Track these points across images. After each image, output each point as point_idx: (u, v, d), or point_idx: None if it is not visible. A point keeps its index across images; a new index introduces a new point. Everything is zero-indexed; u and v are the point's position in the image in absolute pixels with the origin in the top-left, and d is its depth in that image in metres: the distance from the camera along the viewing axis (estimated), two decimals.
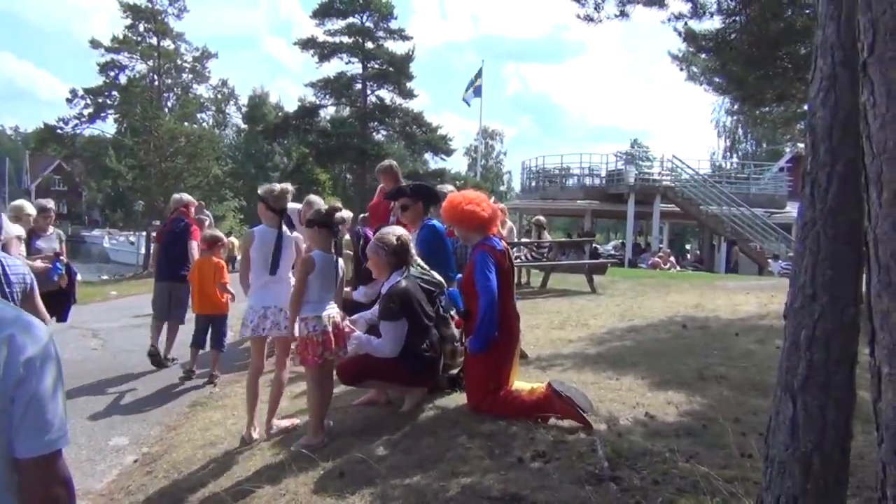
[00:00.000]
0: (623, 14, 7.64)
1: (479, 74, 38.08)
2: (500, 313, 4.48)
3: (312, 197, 7.78)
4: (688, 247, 31.71)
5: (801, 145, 32.78)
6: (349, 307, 5.73)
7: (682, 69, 10.09)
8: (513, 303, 4.87)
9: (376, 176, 7.71)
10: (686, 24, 8.65)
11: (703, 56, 9.04)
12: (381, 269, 4.89)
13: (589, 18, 7.65)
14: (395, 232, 4.96)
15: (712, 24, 8.53)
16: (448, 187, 6.58)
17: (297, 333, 4.63)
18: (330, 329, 4.58)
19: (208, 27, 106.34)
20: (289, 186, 5.39)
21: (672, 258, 24.31)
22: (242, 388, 6.35)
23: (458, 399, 4.95)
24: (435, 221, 5.76)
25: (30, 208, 7.14)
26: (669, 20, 8.41)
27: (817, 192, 2.60)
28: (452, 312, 5.17)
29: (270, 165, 49.48)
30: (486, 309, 4.42)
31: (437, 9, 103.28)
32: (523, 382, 4.88)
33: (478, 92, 36.13)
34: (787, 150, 41.04)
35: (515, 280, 5.79)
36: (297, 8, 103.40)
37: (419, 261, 5.08)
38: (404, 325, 4.66)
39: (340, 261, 4.85)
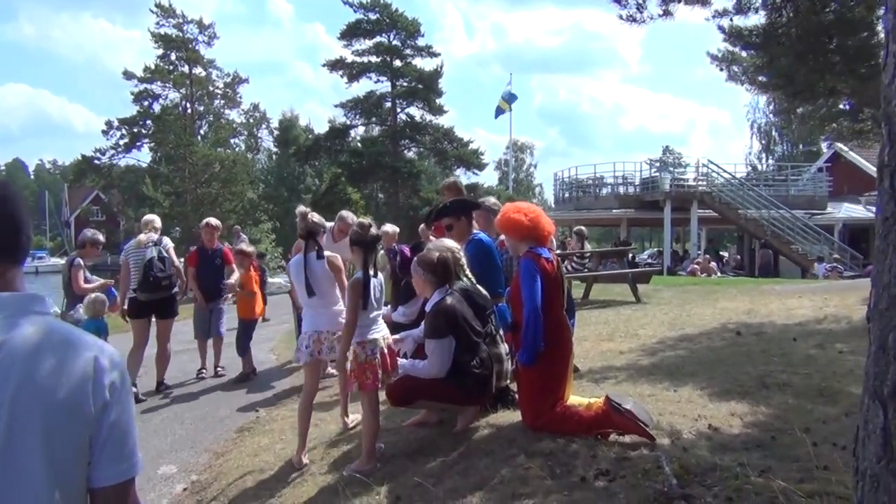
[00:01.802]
0: (667, 13, 7.44)
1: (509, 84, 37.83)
2: (548, 324, 4.31)
3: (344, 212, 7.86)
4: (723, 253, 31.03)
5: (840, 144, 32.24)
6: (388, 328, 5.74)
7: (721, 69, 9.87)
8: (563, 313, 4.72)
9: (440, 192, 7.66)
10: (731, 20, 8.46)
11: (747, 54, 8.79)
12: (423, 287, 4.78)
13: (632, 19, 7.47)
14: (440, 248, 4.85)
15: (757, 18, 8.36)
16: (491, 199, 6.47)
17: (349, 357, 4.57)
18: (385, 349, 4.50)
19: (236, 54, 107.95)
20: (301, 209, 5.41)
21: (712, 264, 23.86)
22: (289, 412, 6.38)
23: (512, 417, 4.77)
24: (482, 235, 5.65)
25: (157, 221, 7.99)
26: (714, 17, 8.21)
27: None
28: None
29: (302, 188, 49.89)
30: (529, 317, 4.27)
31: (462, 23, 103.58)
32: (579, 397, 4.70)
33: (511, 99, 35.36)
34: (825, 149, 40.41)
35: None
36: (321, 32, 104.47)
37: (469, 274, 4.95)
38: (451, 343, 4.52)
39: (381, 277, 4.77)
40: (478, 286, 4.94)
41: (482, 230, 5.86)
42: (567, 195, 32.18)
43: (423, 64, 39.47)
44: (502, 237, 5.68)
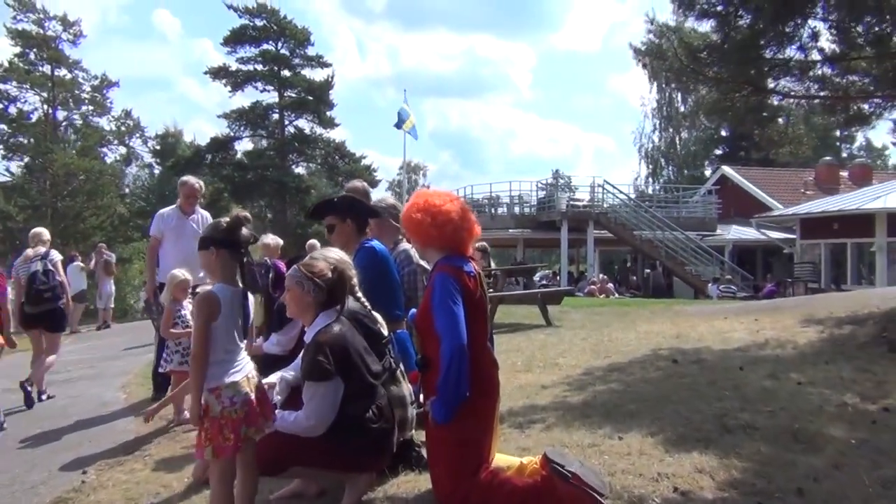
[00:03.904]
0: None
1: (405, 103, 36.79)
2: (471, 362, 3.20)
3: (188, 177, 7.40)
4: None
5: (727, 168, 33.16)
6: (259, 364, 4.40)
7: (644, 65, 9.20)
8: (488, 345, 3.55)
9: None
10: None
11: (700, 24, 8.09)
12: (304, 308, 3.48)
13: None
14: (329, 258, 3.57)
15: None
16: (390, 199, 5.23)
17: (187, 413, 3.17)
18: (252, 395, 3.14)
19: (118, 69, 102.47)
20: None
21: (609, 285, 23.56)
22: (125, 476, 4.92)
23: (420, 483, 3.68)
24: (375, 243, 4.52)
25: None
26: None
27: None
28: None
29: None
30: (452, 357, 3.14)
31: (355, 44, 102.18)
32: (506, 456, 3.58)
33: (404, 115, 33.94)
34: (708, 174, 41.70)
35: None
36: (210, 48, 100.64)
37: (360, 295, 3.74)
38: (338, 387, 3.39)
39: (250, 296, 3.39)
40: (371, 311, 3.69)
41: (375, 237, 4.63)
42: None
43: (313, 75, 37.88)
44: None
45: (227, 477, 3.17)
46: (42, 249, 7.68)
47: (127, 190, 40.57)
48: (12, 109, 27.87)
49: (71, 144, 29.29)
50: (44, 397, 7.73)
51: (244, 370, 3.20)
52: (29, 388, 7.48)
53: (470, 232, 3.50)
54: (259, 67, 37.16)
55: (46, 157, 23.74)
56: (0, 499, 4.90)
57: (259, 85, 37.08)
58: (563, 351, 7.89)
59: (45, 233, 8.00)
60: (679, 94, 48.07)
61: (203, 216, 7.20)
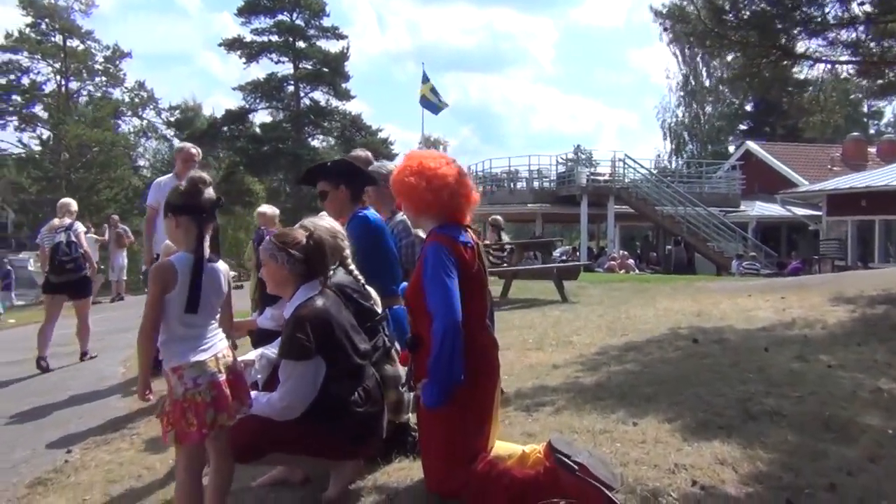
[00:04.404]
0: None
1: (425, 79, 36.19)
2: (468, 341, 2.91)
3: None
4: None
5: (751, 143, 32.41)
6: (253, 339, 4.23)
7: (665, 28, 8.72)
8: (487, 324, 3.24)
9: None
10: None
11: None
12: (281, 282, 3.17)
13: None
14: (318, 225, 3.25)
15: None
16: (389, 165, 4.85)
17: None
18: (222, 376, 2.81)
19: (139, 44, 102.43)
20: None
21: (630, 261, 23.12)
22: (109, 456, 4.79)
23: (414, 471, 3.37)
24: (369, 212, 4.17)
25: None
26: None
27: None
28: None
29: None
30: (445, 335, 2.85)
31: (375, 19, 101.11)
32: (507, 444, 3.30)
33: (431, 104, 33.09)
34: (732, 149, 40.89)
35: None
36: (230, 21, 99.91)
37: (353, 268, 3.55)
38: (319, 367, 3.13)
39: (222, 265, 3.05)
40: (364, 284, 3.36)
41: (373, 206, 4.30)
42: (481, 189, 30.94)
43: (329, 46, 37.38)
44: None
45: (193, 465, 2.89)
46: (68, 220, 7.98)
47: (145, 163, 40.49)
48: (25, 80, 27.68)
49: (86, 116, 29.04)
50: (87, 358, 8.21)
51: (212, 349, 2.88)
52: (43, 363, 7.72)
53: (467, 198, 3.18)
54: (274, 38, 36.76)
55: (59, 128, 23.57)
56: None
57: (274, 56, 36.73)
58: (578, 328, 7.55)
59: (72, 204, 8.31)
60: (704, 68, 47.21)
61: None
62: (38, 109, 26.39)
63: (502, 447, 3.18)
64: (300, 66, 36.87)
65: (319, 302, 3.14)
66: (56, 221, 7.99)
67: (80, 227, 8.15)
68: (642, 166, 27.42)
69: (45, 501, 4.16)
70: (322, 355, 3.09)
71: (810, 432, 3.70)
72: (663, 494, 3.00)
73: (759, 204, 28.18)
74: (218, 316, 2.99)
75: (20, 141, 28.50)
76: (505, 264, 11.41)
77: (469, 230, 3.18)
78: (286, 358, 3.08)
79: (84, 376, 7.40)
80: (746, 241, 24.94)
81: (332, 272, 3.43)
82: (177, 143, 43.90)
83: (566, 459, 2.84)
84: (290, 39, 36.16)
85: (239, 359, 3.41)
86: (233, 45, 36.25)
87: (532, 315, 8.87)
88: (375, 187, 4.44)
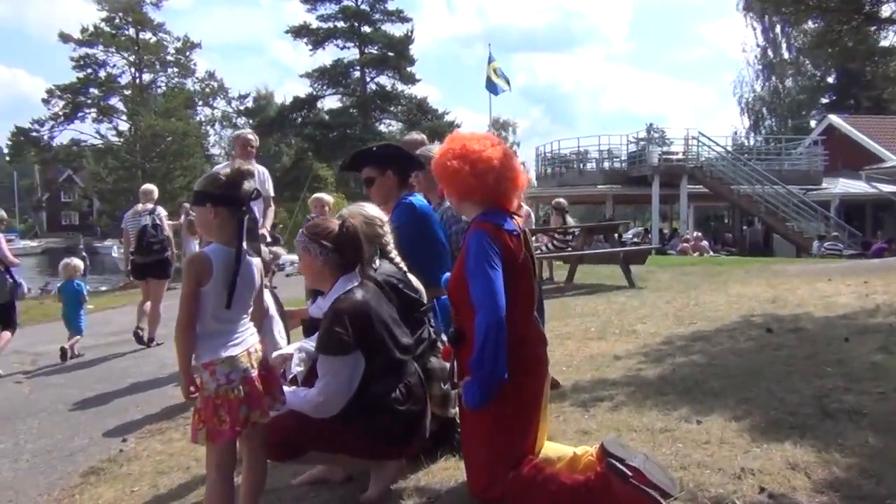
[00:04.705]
0: None
1: (490, 59, 35.76)
2: (513, 336, 2.73)
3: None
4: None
5: (834, 117, 30.95)
6: (306, 328, 4.01)
7: None
8: (534, 318, 3.04)
9: None
10: None
11: None
12: (318, 274, 3.05)
13: None
14: (351, 213, 3.14)
15: None
16: (436, 148, 4.67)
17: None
18: (255, 371, 2.69)
19: (212, 35, 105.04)
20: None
21: (704, 242, 22.39)
22: (161, 446, 4.73)
23: (459, 474, 3.18)
24: (415, 197, 4.04)
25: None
26: None
27: None
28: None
29: (279, 166, 47.70)
30: (488, 331, 2.68)
31: (444, 2, 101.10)
32: (558, 445, 3.14)
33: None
34: (814, 124, 39.13)
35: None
36: (301, 10, 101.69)
37: (394, 256, 3.46)
38: (358, 363, 2.99)
39: (256, 260, 2.92)
40: (408, 274, 3.25)
41: (422, 192, 4.20)
42: (549, 171, 30.70)
43: (393, 30, 37.71)
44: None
45: (225, 464, 2.77)
46: (150, 205, 8.40)
47: (220, 150, 41.48)
48: (102, 73, 28.80)
49: (159, 106, 30.00)
50: (153, 344, 8.33)
51: (244, 343, 2.76)
52: (140, 333, 8.33)
53: (514, 182, 2.98)
54: (339, 24, 37.20)
55: (135, 118, 24.43)
56: (36, 466, 4.76)
57: (339, 42, 37.25)
58: (643, 316, 7.29)
59: (154, 190, 8.80)
60: (783, 40, 45.27)
61: (260, 172, 6.94)
62: (115, 101, 27.36)
63: (551, 448, 3.01)
64: (366, 51, 37.30)
65: (359, 294, 3.02)
66: (139, 206, 8.42)
67: (162, 211, 8.57)
68: (717, 144, 26.45)
69: (95, 492, 4.15)
70: (361, 350, 2.97)
71: (894, 434, 3.40)
72: (727, 502, 2.78)
73: (842, 181, 26.87)
74: (250, 310, 2.89)
75: (98, 132, 29.80)
76: (570, 248, 11.15)
77: (516, 217, 2.99)
78: (324, 353, 2.97)
79: (147, 363, 7.51)
80: (828, 220, 23.84)
81: (375, 262, 3.30)
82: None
83: (619, 465, 2.65)
84: (356, 24, 36.59)
85: (277, 352, 3.32)
86: (299, 32, 36.86)
87: (596, 301, 8.66)
88: (424, 172, 4.27)
